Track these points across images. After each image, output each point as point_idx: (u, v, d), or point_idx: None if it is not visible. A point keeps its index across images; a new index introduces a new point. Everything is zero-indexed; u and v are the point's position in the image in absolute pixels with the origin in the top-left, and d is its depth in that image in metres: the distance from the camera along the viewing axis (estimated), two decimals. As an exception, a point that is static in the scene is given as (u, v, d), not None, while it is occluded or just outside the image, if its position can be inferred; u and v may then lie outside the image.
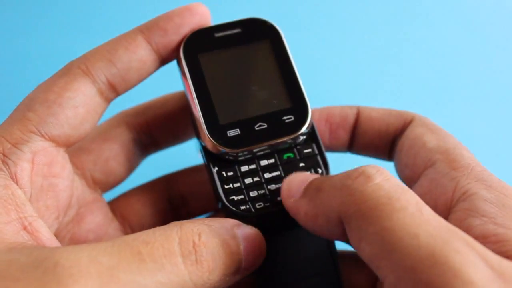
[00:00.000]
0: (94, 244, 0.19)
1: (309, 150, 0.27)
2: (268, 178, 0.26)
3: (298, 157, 0.27)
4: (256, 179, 0.26)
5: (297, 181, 0.24)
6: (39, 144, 0.23)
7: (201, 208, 0.32)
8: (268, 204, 0.26)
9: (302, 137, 0.27)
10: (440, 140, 0.25)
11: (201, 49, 0.27)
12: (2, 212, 0.20)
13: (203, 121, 0.26)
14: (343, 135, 0.29)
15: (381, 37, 0.56)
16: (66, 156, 0.25)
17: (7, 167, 0.22)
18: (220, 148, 0.25)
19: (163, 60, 0.27)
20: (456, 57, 0.55)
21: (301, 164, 0.27)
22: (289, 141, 0.26)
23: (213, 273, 0.21)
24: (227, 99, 0.27)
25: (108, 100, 0.26)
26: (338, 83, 0.51)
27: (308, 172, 0.25)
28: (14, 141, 0.22)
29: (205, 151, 0.27)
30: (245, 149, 0.26)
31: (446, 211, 0.23)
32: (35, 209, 0.23)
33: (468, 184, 0.22)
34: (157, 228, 0.21)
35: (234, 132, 0.26)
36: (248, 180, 0.26)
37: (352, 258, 0.28)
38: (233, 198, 0.26)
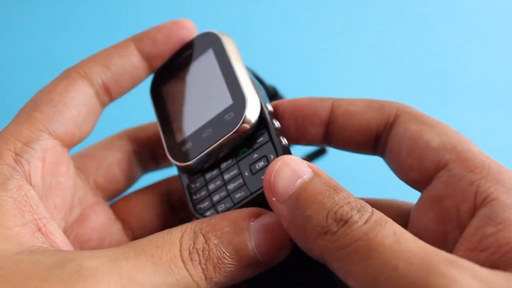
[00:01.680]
0: (113, 250, 0.21)
1: (261, 139, 0.26)
2: (227, 179, 0.26)
3: (251, 149, 0.26)
4: (218, 183, 0.26)
5: (285, 178, 0.22)
6: (48, 142, 0.24)
7: None
8: (228, 204, 0.25)
9: (248, 129, 0.26)
10: (442, 136, 0.24)
11: (163, 81, 0.30)
12: (17, 214, 0.21)
13: (165, 144, 0.28)
14: (312, 130, 0.27)
15: (380, 37, 0.56)
16: (69, 156, 0.26)
17: (21, 166, 0.22)
18: (176, 163, 0.27)
19: (153, 68, 0.29)
20: (455, 57, 0.55)
21: (255, 155, 0.26)
22: (238, 137, 0.26)
23: (216, 274, 0.21)
24: (182, 118, 0.28)
25: (103, 104, 0.27)
26: (336, 82, 0.51)
27: (297, 161, 0.23)
28: (24, 140, 0.23)
29: (177, 168, 0.28)
30: (195, 159, 0.26)
31: (470, 218, 0.22)
32: (45, 207, 0.23)
33: (489, 188, 0.22)
34: (166, 231, 0.22)
35: (187, 146, 0.27)
36: (211, 186, 0.26)
37: None
38: (200, 207, 0.26)
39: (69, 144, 0.26)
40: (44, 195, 0.24)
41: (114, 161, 0.30)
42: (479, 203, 0.22)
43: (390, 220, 0.20)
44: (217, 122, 0.26)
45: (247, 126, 0.25)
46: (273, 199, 0.22)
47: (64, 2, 0.57)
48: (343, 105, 0.27)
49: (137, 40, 0.28)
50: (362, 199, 0.28)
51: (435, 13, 0.58)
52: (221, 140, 0.26)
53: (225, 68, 0.27)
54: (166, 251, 0.21)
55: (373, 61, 0.54)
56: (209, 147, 0.26)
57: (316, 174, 0.22)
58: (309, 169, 0.22)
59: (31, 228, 0.21)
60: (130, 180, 0.31)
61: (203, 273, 0.21)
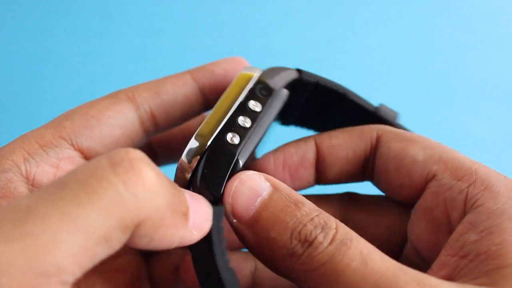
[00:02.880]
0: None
1: None
2: None
3: None
4: None
5: (244, 198, 0.21)
6: (66, 152, 0.23)
7: None
8: None
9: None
10: (427, 149, 0.24)
11: None
12: None
13: None
14: (305, 174, 0.27)
15: (380, 37, 0.56)
16: None
17: (28, 165, 0.22)
18: None
19: (208, 103, 0.27)
20: (455, 57, 0.55)
21: None
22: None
23: (153, 184, 0.17)
24: None
25: (147, 133, 0.26)
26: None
27: (254, 177, 0.21)
28: (42, 143, 0.22)
29: None
30: None
31: None
32: None
33: (477, 195, 0.21)
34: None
35: None
36: None
37: None
38: None
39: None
40: None
41: None
42: (468, 210, 0.22)
43: (355, 237, 0.20)
44: None
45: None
46: (234, 220, 0.21)
47: (63, 2, 0.57)
48: (325, 140, 0.26)
49: (194, 71, 0.27)
50: (369, 195, 0.28)
51: (435, 13, 0.58)
52: None
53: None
54: (82, 169, 0.17)
55: (373, 61, 0.54)
56: None
57: (275, 188, 0.21)
58: (267, 183, 0.21)
59: None
60: None
61: (139, 179, 0.17)
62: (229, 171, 0.22)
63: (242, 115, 0.23)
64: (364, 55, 0.54)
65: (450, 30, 0.56)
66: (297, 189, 0.27)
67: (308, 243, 0.20)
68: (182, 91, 0.26)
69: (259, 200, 0.21)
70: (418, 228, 0.24)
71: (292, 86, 0.25)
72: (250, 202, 0.21)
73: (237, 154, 0.22)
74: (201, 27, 0.56)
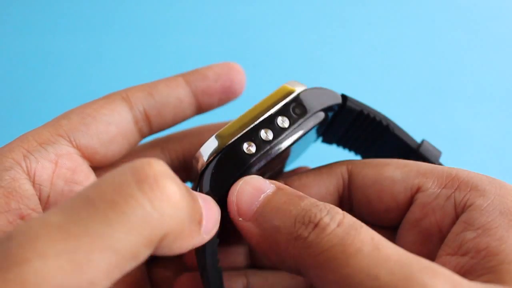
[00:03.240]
0: (48, 210, 0.18)
1: None
2: None
3: None
4: None
5: (248, 195, 0.22)
6: (64, 148, 0.24)
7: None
8: None
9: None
10: (402, 167, 0.24)
11: None
12: (1, 202, 0.21)
13: None
14: None
15: (380, 37, 0.56)
16: (89, 168, 0.25)
17: (28, 161, 0.22)
18: None
19: (200, 106, 0.27)
20: (455, 57, 0.55)
21: None
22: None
23: (177, 200, 0.17)
24: None
25: (141, 134, 0.26)
26: (337, 82, 0.51)
27: (259, 179, 0.22)
28: (41, 141, 0.23)
29: None
30: None
31: None
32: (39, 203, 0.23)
33: (464, 196, 0.22)
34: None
35: None
36: None
37: None
38: None
39: (90, 158, 0.25)
40: (53, 199, 0.23)
41: None
42: (459, 213, 0.22)
43: (364, 225, 0.19)
44: None
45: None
46: (239, 219, 0.22)
47: (64, 2, 0.57)
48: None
49: (187, 74, 0.27)
50: None
51: (435, 13, 0.58)
52: None
53: None
54: (107, 184, 0.17)
55: (373, 61, 0.54)
56: None
57: (279, 188, 0.22)
58: (272, 184, 0.22)
59: (12, 216, 0.21)
60: None
61: (164, 196, 0.17)
62: (236, 178, 0.22)
63: (266, 127, 0.23)
64: (363, 55, 0.54)
65: (450, 30, 0.56)
66: None
67: (313, 224, 0.19)
68: (175, 92, 0.26)
69: (262, 196, 0.22)
70: (407, 241, 0.24)
71: (334, 109, 0.25)
72: (254, 198, 0.21)
73: (248, 163, 0.22)
74: (201, 28, 0.56)
